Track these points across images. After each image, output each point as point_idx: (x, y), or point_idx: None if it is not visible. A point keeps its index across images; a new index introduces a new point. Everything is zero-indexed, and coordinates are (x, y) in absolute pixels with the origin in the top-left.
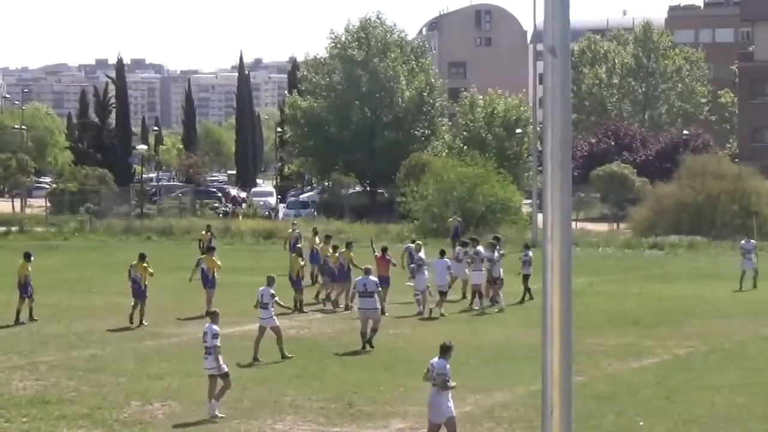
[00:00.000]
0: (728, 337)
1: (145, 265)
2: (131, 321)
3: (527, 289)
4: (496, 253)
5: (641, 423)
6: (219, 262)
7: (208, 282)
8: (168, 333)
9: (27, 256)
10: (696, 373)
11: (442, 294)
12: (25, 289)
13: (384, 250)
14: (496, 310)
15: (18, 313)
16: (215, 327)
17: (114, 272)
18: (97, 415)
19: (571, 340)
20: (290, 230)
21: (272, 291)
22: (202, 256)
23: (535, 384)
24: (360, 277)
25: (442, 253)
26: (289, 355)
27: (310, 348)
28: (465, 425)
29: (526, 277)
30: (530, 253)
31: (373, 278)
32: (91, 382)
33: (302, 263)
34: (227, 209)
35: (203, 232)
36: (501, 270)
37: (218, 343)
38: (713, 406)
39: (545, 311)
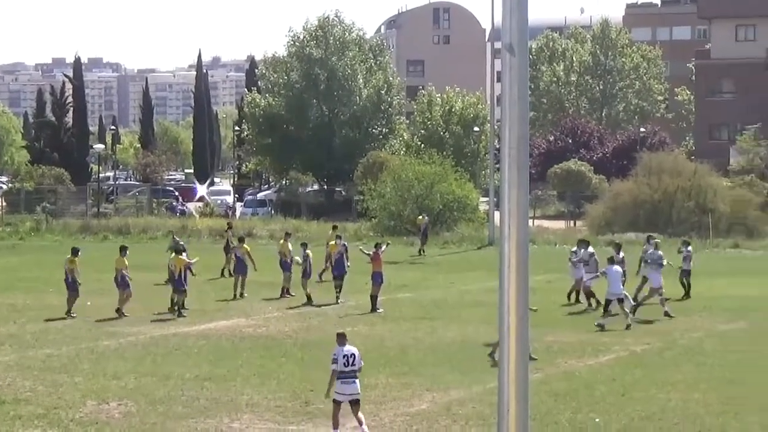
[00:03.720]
0: (684, 334)
1: (181, 257)
2: (173, 309)
3: (686, 285)
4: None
5: (597, 420)
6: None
7: (123, 283)
8: (124, 332)
9: (178, 251)
10: (652, 369)
11: (621, 301)
12: (180, 282)
13: (377, 246)
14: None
15: (172, 302)
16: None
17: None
18: (53, 414)
19: (528, 337)
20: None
21: None
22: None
23: (491, 381)
24: None
25: (611, 260)
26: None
27: (267, 346)
28: (422, 423)
29: (687, 273)
30: (690, 248)
31: None
32: (46, 382)
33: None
34: (184, 208)
35: (281, 242)
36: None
37: None
38: (669, 402)
39: (502, 309)
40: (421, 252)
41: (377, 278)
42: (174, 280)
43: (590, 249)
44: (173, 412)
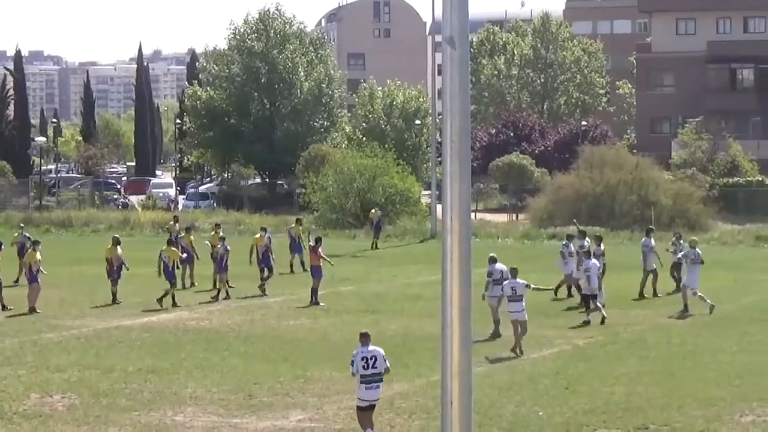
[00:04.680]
0: (627, 327)
1: (174, 249)
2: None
3: (676, 278)
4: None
5: (541, 413)
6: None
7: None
8: (68, 325)
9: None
10: (595, 362)
11: (595, 297)
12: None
13: (317, 241)
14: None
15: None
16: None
17: (10, 264)
18: None
19: (471, 330)
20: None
21: (525, 282)
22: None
23: (435, 375)
24: (507, 281)
25: (588, 254)
26: (521, 353)
27: (210, 339)
28: None
29: (678, 266)
30: (683, 242)
31: (522, 281)
32: None
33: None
34: (127, 201)
35: (213, 233)
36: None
37: None
38: (612, 395)
39: (444, 302)
40: (375, 246)
41: (316, 272)
42: (167, 272)
43: (585, 241)
44: (117, 405)
